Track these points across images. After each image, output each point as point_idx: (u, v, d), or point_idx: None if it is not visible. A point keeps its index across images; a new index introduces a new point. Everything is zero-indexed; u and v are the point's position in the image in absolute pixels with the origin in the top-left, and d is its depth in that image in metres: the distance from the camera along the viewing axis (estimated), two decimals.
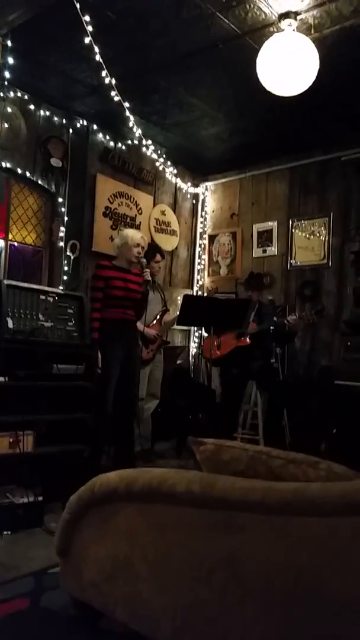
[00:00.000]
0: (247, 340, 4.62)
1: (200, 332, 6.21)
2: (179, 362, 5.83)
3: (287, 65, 3.43)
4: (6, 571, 2.32)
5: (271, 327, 4.48)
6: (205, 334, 5.09)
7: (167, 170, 5.78)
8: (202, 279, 6.43)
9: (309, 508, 1.19)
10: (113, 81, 4.21)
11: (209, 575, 1.38)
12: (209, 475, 1.47)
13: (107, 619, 1.71)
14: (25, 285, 3.45)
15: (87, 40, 3.75)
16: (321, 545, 1.17)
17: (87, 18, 3.55)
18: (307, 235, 5.43)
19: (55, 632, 1.84)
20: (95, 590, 1.69)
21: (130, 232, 4.01)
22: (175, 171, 5.92)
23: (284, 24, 3.47)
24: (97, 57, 3.90)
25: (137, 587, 1.55)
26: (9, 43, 3.81)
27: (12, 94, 4.39)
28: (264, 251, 5.81)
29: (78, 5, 3.42)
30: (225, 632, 1.34)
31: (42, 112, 4.70)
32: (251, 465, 1.46)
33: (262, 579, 1.27)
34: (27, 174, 4.59)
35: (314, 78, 3.50)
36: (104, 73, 4.08)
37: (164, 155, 5.69)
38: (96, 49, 3.84)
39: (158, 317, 4.65)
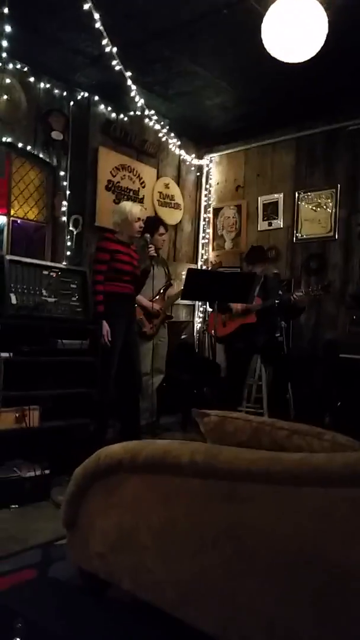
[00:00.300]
0: (254, 317, 4.60)
1: (205, 307, 6.18)
2: (183, 336, 5.82)
3: (294, 30, 3.31)
4: (14, 543, 2.36)
5: (276, 302, 4.45)
6: (210, 309, 5.06)
7: (170, 142, 5.69)
8: (207, 253, 6.37)
9: (313, 478, 1.18)
10: (114, 50, 4.13)
11: (213, 545, 1.38)
12: (213, 446, 1.47)
13: (114, 588, 1.72)
14: (28, 260, 3.43)
15: (86, 6, 3.66)
16: (325, 515, 1.17)
17: None
18: (314, 208, 5.36)
19: (63, 601, 1.86)
20: (102, 560, 1.70)
21: (128, 206, 3.94)
22: (179, 143, 5.83)
23: None
24: (98, 25, 3.81)
25: (142, 557, 1.56)
26: (6, 10, 3.71)
27: (11, 65, 4.31)
28: (270, 224, 5.73)
29: None
30: (230, 600, 1.34)
31: (42, 85, 4.61)
32: (255, 436, 1.45)
33: (265, 548, 1.28)
34: (28, 147, 4.53)
35: (322, 43, 3.39)
36: (104, 42, 4.00)
37: (167, 127, 5.60)
38: (96, 16, 3.75)
39: (161, 291, 4.62)
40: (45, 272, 3.47)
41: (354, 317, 4.44)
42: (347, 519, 1.15)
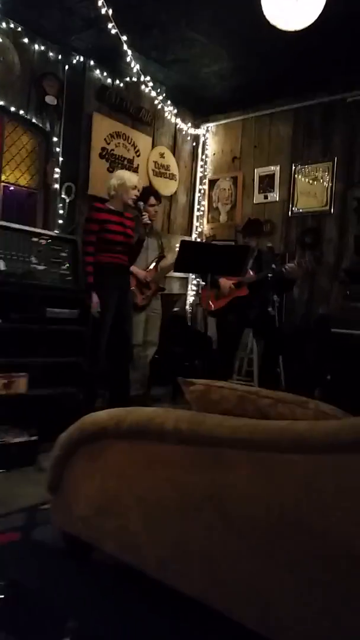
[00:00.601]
0: (246, 290, 4.58)
1: (198, 280, 6.15)
2: (175, 309, 5.81)
3: None
4: None
5: (269, 275, 4.43)
6: (203, 283, 5.04)
7: (166, 109, 5.58)
8: (202, 226, 6.32)
9: (295, 445, 1.18)
10: (110, 12, 4.01)
11: (195, 511, 1.39)
12: (198, 414, 1.47)
13: (97, 551, 1.74)
14: (17, 226, 3.39)
15: None
16: (306, 482, 1.17)
17: None
18: (310, 181, 5.30)
19: (46, 563, 1.89)
20: (86, 524, 1.72)
21: (126, 174, 3.91)
22: (175, 111, 5.72)
23: None
24: None
25: (125, 520, 1.57)
26: None
27: (4, 24, 4.17)
28: (265, 197, 5.67)
29: None
30: (211, 564, 1.36)
31: (36, 47, 4.47)
32: (240, 404, 1.45)
33: (247, 514, 1.28)
34: (21, 111, 4.42)
35: (320, 10, 3.31)
36: (100, 3, 3.88)
37: (164, 94, 5.49)
38: None
39: (154, 263, 4.58)
40: (35, 239, 3.43)
41: (347, 292, 4.43)
42: (328, 486, 1.16)
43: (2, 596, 1.63)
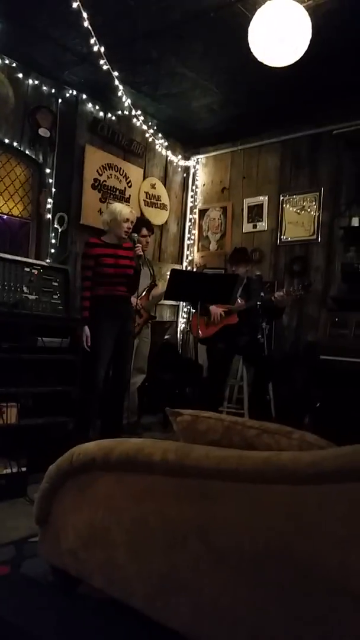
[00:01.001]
0: (236, 318, 4.62)
1: (188, 307, 6.20)
2: (166, 337, 5.83)
3: (279, 35, 3.36)
4: None
5: (258, 303, 4.48)
6: (193, 310, 5.08)
7: (157, 142, 5.70)
8: (192, 254, 6.39)
9: (280, 476, 1.20)
10: (102, 49, 4.13)
11: (183, 543, 1.39)
12: (185, 445, 1.48)
13: (85, 585, 1.73)
14: (9, 257, 3.42)
15: (75, 5, 3.65)
16: (291, 512, 1.19)
17: None
18: (298, 210, 5.40)
19: (34, 597, 1.87)
20: (73, 557, 1.70)
21: (118, 207, 3.97)
22: (166, 143, 5.85)
23: None
24: (86, 24, 3.81)
25: (113, 554, 1.56)
26: None
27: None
28: (254, 226, 5.77)
29: None
30: (198, 597, 1.36)
31: (30, 81, 4.59)
32: (226, 435, 1.46)
33: (234, 545, 1.29)
34: (15, 143, 4.51)
35: (305, 48, 3.44)
36: (92, 40, 4.00)
37: (155, 127, 5.61)
38: (85, 15, 3.74)
39: (145, 291, 4.63)
40: (27, 269, 3.47)
41: (335, 319, 4.49)
42: (313, 516, 1.17)
43: None
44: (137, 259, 4.07)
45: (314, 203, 5.28)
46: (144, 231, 4.55)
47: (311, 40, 3.39)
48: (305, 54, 3.48)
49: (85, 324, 3.69)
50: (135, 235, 4.20)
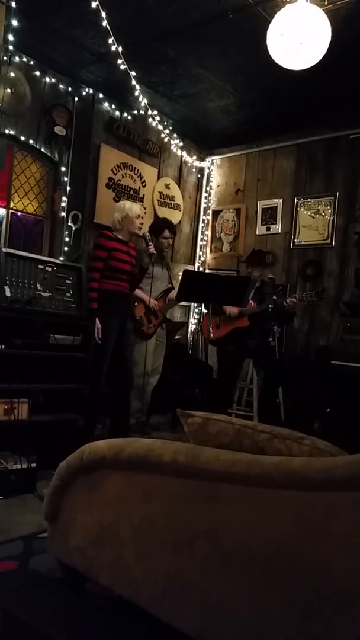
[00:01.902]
0: (247, 321, 4.62)
1: (200, 308, 6.21)
2: (177, 337, 5.84)
3: (299, 38, 3.34)
4: None
5: (270, 307, 4.47)
6: (205, 311, 5.09)
7: (172, 142, 5.71)
8: (204, 255, 6.39)
9: (290, 482, 1.20)
10: (120, 49, 4.14)
11: (190, 544, 1.40)
12: (195, 447, 1.49)
13: (92, 582, 1.74)
14: (24, 254, 3.44)
15: (94, 4, 3.67)
16: (300, 518, 1.19)
17: None
18: (312, 214, 5.38)
19: (41, 592, 1.88)
20: (81, 554, 1.71)
21: (127, 204, 3.98)
22: (181, 144, 5.85)
23: None
24: (104, 24, 3.83)
25: (121, 553, 1.57)
26: (14, 4, 3.73)
27: (17, 58, 4.32)
28: (268, 229, 5.76)
29: None
30: (204, 599, 1.36)
31: (47, 79, 4.62)
32: (237, 438, 1.46)
33: (242, 549, 1.29)
34: (31, 141, 4.54)
35: (324, 52, 3.42)
36: (110, 40, 4.02)
37: (170, 127, 5.62)
38: (103, 14, 3.76)
39: (162, 294, 4.63)
40: (41, 267, 3.48)
41: (348, 324, 4.47)
42: (322, 522, 1.17)
43: None
44: (149, 257, 4.09)
45: (328, 207, 5.26)
46: (166, 233, 4.54)
47: (330, 44, 3.38)
48: (323, 57, 3.46)
49: (95, 315, 3.69)
50: (148, 234, 4.22)
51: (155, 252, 4.17)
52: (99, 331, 3.68)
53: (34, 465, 3.03)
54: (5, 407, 3.10)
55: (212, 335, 4.61)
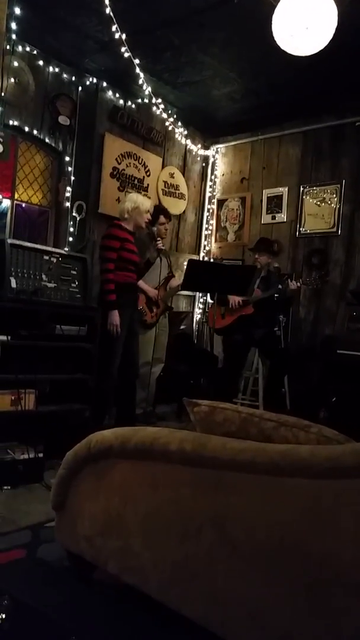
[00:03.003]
0: (251, 309, 4.61)
1: (205, 298, 6.19)
2: (182, 327, 5.83)
3: (305, 23, 3.28)
4: (5, 524, 2.39)
5: (276, 295, 4.46)
6: (210, 301, 5.08)
7: (177, 131, 5.67)
8: (209, 245, 6.37)
9: (297, 470, 1.20)
10: (124, 36, 4.11)
11: (197, 532, 1.41)
12: (202, 435, 1.49)
13: (100, 571, 1.75)
14: (29, 245, 3.43)
15: None
16: (306, 506, 1.19)
17: None
18: (318, 203, 5.35)
19: (49, 581, 1.90)
20: (89, 543, 1.73)
21: (140, 198, 3.97)
22: (185, 132, 5.81)
23: None
24: (108, 11, 3.80)
25: (128, 541, 1.58)
26: None
27: (20, 48, 4.29)
28: (273, 218, 5.73)
29: None
30: (212, 586, 1.37)
31: (51, 69, 4.59)
32: (243, 426, 1.47)
33: (248, 537, 1.30)
34: (34, 132, 4.52)
35: (330, 37, 3.37)
36: (114, 28, 3.98)
37: (175, 116, 5.58)
38: (106, 2, 3.73)
39: (163, 282, 4.62)
40: (46, 257, 3.48)
41: (354, 313, 4.45)
42: (329, 510, 1.17)
43: (4, 615, 1.65)
44: (157, 252, 4.09)
45: (334, 195, 5.22)
46: (162, 219, 4.52)
47: (336, 29, 3.33)
48: (329, 43, 3.41)
49: (114, 307, 3.67)
50: (155, 229, 4.21)
51: (164, 247, 4.17)
52: (114, 327, 3.67)
53: (41, 455, 3.04)
54: (13, 397, 3.12)
55: (217, 324, 4.60)
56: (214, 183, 6.35)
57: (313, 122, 5.38)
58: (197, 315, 6.30)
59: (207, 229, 6.36)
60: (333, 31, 3.34)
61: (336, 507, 1.14)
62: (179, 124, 5.69)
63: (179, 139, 5.79)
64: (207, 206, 6.36)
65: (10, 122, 4.29)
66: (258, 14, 3.70)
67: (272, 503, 1.25)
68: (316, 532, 1.16)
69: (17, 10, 3.83)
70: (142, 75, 4.62)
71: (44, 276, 3.43)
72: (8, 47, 4.05)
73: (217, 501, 1.37)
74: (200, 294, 6.25)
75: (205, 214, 6.36)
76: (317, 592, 1.16)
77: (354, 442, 1.30)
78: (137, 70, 4.50)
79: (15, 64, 4.19)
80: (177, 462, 1.47)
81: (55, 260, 3.52)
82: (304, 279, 4.43)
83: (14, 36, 4.03)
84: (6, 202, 4.48)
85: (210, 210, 6.35)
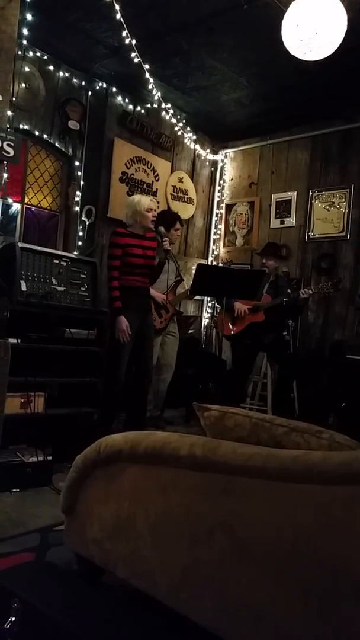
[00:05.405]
0: (262, 315, 4.59)
1: (213, 302, 6.19)
2: (190, 331, 5.83)
3: (314, 28, 3.30)
4: (14, 527, 2.39)
5: (285, 301, 4.45)
6: (219, 307, 5.07)
7: (186, 135, 5.69)
8: (218, 249, 6.37)
9: (309, 475, 1.19)
10: (134, 42, 4.13)
11: (207, 537, 1.40)
12: (212, 440, 1.48)
13: (109, 575, 1.75)
14: (39, 249, 3.45)
15: None
16: (319, 512, 1.18)
17: None
18: (327, 207, 5.34)
19: (58, 584, 1.90)
20: (98, 547, 1.72)
21: (136, 198, 3.92)
22: (194, 137, 5.83)
23: None
24: (118, 16, 3.82)
25: (137, 545, 1.58)
26: None
27: (31, 53, 4.33)
28: (282, 222, 5.72)
29: None
30: (221, 591, 1.36)
31: (61, 74, 4.63)
32: (254, 432, 1.46)
33: (259, 542, 1.29)
34: (45, 136, 4.55)
35: (340, 41, 3.37)
36: (124, 33, 4.00)
37: (184, 121, 5.60)
38: (117, 7, 3.75)
39: (171, 287, 4.61)
40: (56, 261, 3.50)
41: None
42: (341, 517, 1.16)
43: (13, 618, 1.64)
44: (165, 253, 4.06)
45: (343, 200, 5.21)
46: (178, 224, 4.52)
47: (345, 34, 3.33)
48: (338, 48, 3.41)
49: (120, 314, 3.68)
50: (162, 229, 4.19)
51: (170, 247, 4.14)
52: (127, 329, 3.67)
53: (49, 458, 3.05)
54: (22, 400, 3.13)
55: (230, 330, 4.58)
56: (223, 188, 6.36)
57: (322, 127, 5.38)
58: (206, 319, 6.30)
59: (215, 233, 6.37)
60: (342, 35, 3.34)
61: (349, 514, 1.13)
62: (188, 128, 5.71)
63: (188, 143, 5.81)
64: (215, 211, 6.36)
65: (21, 127, 4.32)
66: (267, 19, 3.72)
67: (283, 509, 1.25)
68: (329, 539, 1.15)
69: (29, 16, 3.86)
70: (151, 80, 4.64)
71: (53, 280, 3.45)
72: (19, 52, 4.09)
73: (227, 506, 1.36)
74: (208, 299, 6.24)
75: (214, 218, 6.37)
76: (329, 597, 1.15)
77: None
78: (147, 75, 4.53)
79: (26, 69, 4.22)
80: (187, 467, 1.46)
81: (65, 264, 3.54)
82: (315, 287, 4.40)
83: (25, 42, 4.06)
84: (16, 206, 4.51)
85: (219, 215, 6.36)
